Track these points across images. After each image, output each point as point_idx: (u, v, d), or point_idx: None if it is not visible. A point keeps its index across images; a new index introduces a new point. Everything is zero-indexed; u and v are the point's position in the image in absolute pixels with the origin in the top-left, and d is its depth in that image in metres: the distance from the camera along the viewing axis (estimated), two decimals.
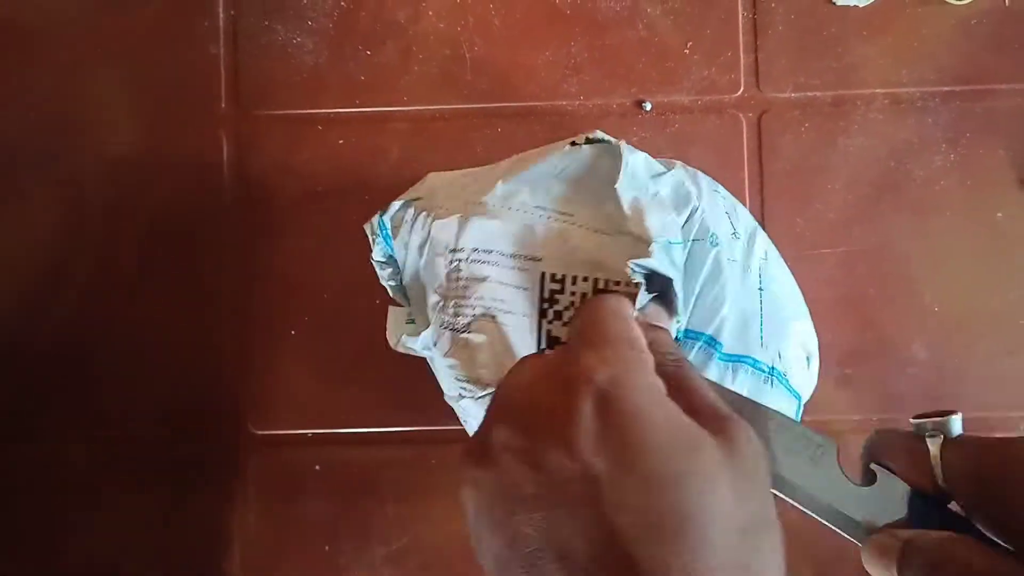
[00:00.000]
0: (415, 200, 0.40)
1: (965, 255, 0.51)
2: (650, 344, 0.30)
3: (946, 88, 0.52)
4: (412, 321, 0.41)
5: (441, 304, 0.38)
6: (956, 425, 0.28)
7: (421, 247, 0.39)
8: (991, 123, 0.52)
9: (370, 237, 0.41)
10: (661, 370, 0.28)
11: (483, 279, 0.37)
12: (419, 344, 0.39)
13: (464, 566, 0.50)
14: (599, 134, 0.37)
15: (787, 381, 0.39)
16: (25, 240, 0.53)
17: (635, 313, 0.32)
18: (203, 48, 0.53)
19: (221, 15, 0.53)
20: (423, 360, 0.51)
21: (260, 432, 0.51)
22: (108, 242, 0.52)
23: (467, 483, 0.27)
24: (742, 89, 0.52)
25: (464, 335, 0.37)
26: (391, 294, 0.42)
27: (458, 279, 0.37)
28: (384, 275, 0.41)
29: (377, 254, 0.41)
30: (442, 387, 0.40)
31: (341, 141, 0.52)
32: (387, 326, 0.42)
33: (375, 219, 0.40)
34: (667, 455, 0.24)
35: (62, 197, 0.53)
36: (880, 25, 0.52)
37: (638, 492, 0.24)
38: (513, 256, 0.36)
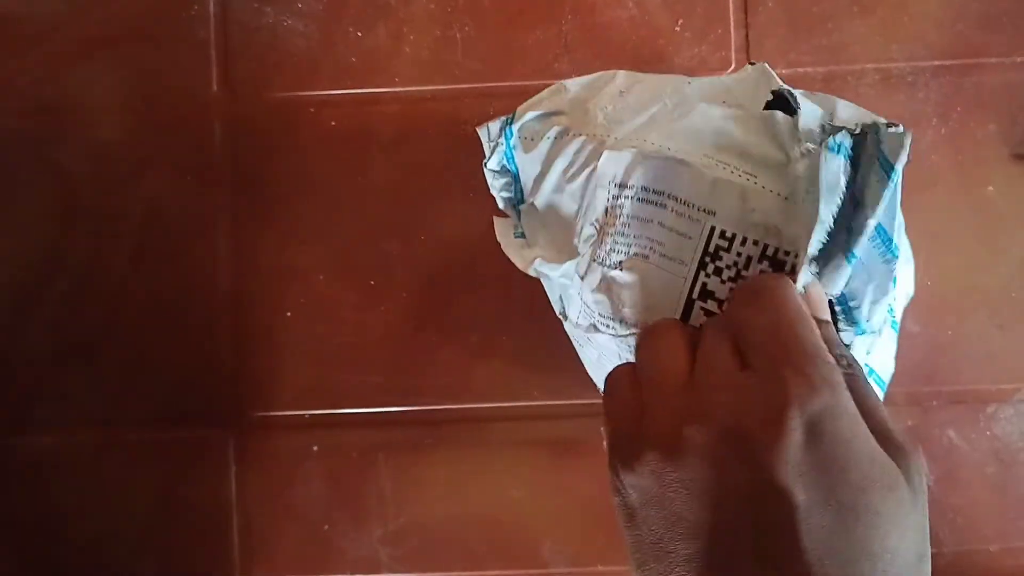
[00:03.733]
0: (554, 114, 0.39)
1: (957, 229, 0.51)
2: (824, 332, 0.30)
3: (936, 63, 0.52)
4: (521, 235, 0.40)
5: (595, 238, 0.37)
6: None
7: (570, 171, 0.38)
8: (981, 97, 0.52)
9: (486, 143, 0.39)
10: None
11: (647, 220, 0.36)
12: (559, 272, 0.38)
13: (459, 546, 0.51)
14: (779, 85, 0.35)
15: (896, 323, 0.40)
16: (16, 230, 0.53)
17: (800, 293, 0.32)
18: (193, 33, 0.53)
19: None
20: (421, 338, 0.51)
21: (257, 414, 0.52)
22: (101, 230, 0.52)
23: (644, 470, 0.28)
24: (733, 66, 0.52)
25: (614, 272, 0.36)
26: (500, 205, 0.41)
27: (620, 215, 0.36)
28: (496, 185, 0.40)
29: (493, 163, 0.40)
30: (565, 311, 0.40)
31: (333, 123, 0.52)
32: (497, 236, 0.41)
33: (496, 125, 0.39)
34: (865, 492, 0.26)
35: (53, 187, 0.53)
36: (869, 1, 0.52)
37: (830, 520, 0.25)
38: (685, 203, 0.35)
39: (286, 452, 0.51)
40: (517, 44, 0.52)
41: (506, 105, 0.52)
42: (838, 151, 0.33)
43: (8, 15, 0.53)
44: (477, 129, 0.40)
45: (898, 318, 0.40)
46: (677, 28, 0.52)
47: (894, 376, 0.50)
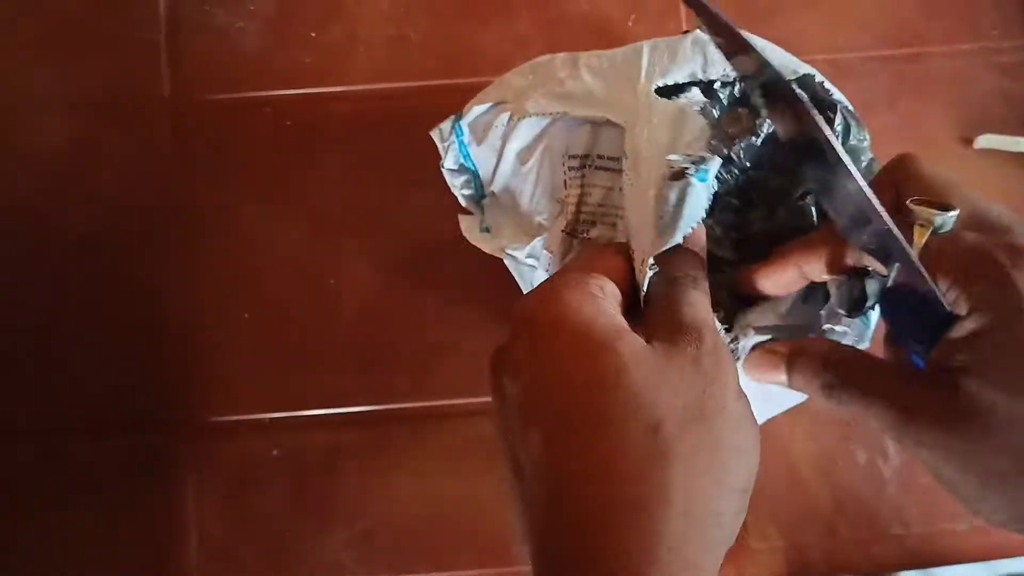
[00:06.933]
0: (499, 104, 0.39)
1: None
2: (668, 264, 0.30)
3: (884, 52, 0.53)
4: (487, 230, 0.41)
5: (560, 210, 0.38)
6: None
7: (523, 152, 0.38)
8: (928, 84, 0.53)
9: (439, 144, 0.40)
10: (654, 290, 0.29)
11: (608, 188, 0.37)
12: (525, 252, 0.38)
13: (424, 546, 0.50)
14: None
15: None
16: None
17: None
18: (143, 36, 0.52)
19: (160, 1, 0.52)
20: (381, 336, 0.50)
21: (216, 419, 0.50)
22: (50, 238, 0.51)
23: None
24: None
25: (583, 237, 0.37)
26: (463, 203, 0.42)
27: (581, 185, 0.37)
28: (456, 184, 0.41)
29: (449, 162, 0.40)
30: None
31: (288, 123, 0.52)
32: (464, 233, 0.42)
33: (447, 124, 0.40)
34: (575, 360, 0.26)
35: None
36: None
37: (553, 399, 0.26)
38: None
39: (246, 457, 0.50)
40: (472, 41, 0.52)
41: (462, 101, 0.52)
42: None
43: None
44: (431, 132, 0.40)
45: None
46: (630, 23, 0.53)
47: None
